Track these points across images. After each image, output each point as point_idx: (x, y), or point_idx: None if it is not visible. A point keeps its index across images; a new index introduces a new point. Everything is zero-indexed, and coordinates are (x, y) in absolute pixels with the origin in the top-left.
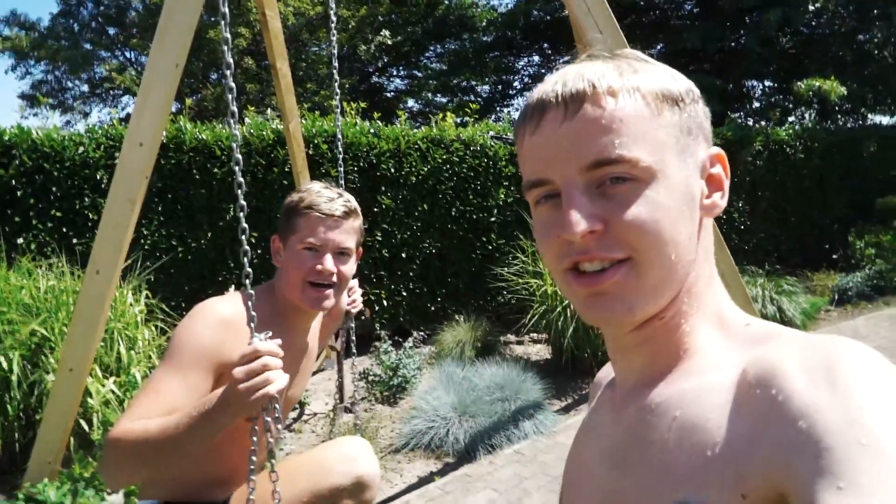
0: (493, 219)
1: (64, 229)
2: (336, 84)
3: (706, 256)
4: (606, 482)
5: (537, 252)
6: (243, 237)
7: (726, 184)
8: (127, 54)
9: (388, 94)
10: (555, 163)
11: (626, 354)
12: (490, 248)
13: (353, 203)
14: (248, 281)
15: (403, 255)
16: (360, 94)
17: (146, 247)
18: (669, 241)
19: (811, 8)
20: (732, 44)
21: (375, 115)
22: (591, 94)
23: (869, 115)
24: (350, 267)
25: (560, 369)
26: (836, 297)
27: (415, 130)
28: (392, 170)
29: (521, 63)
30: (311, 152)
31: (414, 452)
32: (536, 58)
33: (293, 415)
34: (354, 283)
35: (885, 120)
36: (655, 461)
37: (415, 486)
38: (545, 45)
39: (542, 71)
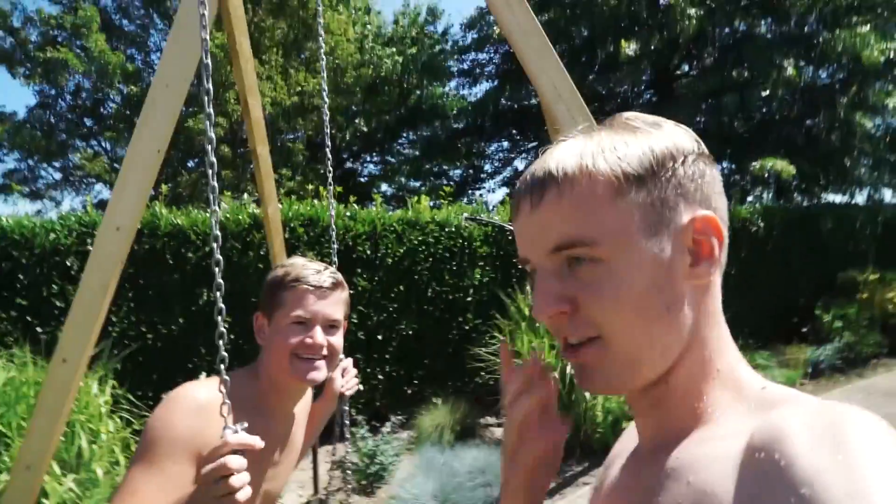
0: (469, 299)
1: (28, 318)
2: (329, 163)
3: (709, 322)
4: None
5: (514, 332)
6: (219, 318)
7: (717, 248)
8: (102, 144)
9: (362, 179)
10: (528, 247)
11: (639, 417)
12: (467, 328)
13: (339, 275)
14: (223, 366)
15: (380, 336)
16: (334, 179)
17: (114, 334)
18: (636, 319)
19: (762, 94)
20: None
21: (351, 199)
22: (549, 183)
23: (823, 195)
24: (339, 339)
25: None
26: (810, 370)
27: (390, 213)
28: (368, 252)
29: (492, 148)
30: (287, 236)
31: None
32: (506, 143)
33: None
34: (349, 362)
35: (838, 198)
36: None
37: None
38: (514, 130)
39: (511, 155)
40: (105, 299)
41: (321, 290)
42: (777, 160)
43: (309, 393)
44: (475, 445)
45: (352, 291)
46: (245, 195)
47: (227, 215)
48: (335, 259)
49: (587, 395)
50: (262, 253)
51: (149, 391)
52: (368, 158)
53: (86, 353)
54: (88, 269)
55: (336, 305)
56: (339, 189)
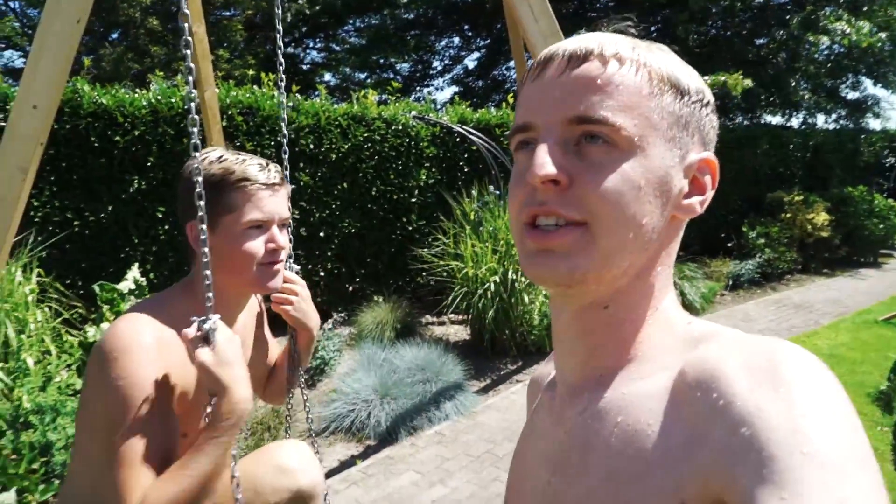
0: (413, 200)
1: None
2: (280, 52)
3: (667, 260)
4: (547, 487)
5: (458, 235)
6: (204, 249)
7: (709, 193)
8: (10, 2)
9: (304, 67)
10: (542, 109)
11: (567, 343)
12: (410, 229)
13: (278, 166)
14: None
15: (322, 234)
16: (273, 64)
17: (36, 220)
18: (629, 217)
19: (722, 3)
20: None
21: (294, 87)
22: (596, 54)
23: (762, 116)
24: (288, 238)
25: (479, 350)
26: (731, 282)
27: (335, 106)
28: (311, 146)
29: (442, 44)
30: (224, 124)
31: (335, 436)
32: (457, 39)
33: None
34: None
35: (776, 120)
36: (598, 467)
37: (336, 471)
38: (466, 26)
39: (462, 53)
40: (25, 183)
41: (273, 187)
42: (730, 74)
43: (254, 299)
44: (415, 344)
45: (294, 186)
46: (178, 76)
47: (159, 97)
48: (286, 154)
49: (525, 298)
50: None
51: (78, 280)
52: (311, 44)
53: (7, 240)
54: (4, 150)
55: (286, 201)
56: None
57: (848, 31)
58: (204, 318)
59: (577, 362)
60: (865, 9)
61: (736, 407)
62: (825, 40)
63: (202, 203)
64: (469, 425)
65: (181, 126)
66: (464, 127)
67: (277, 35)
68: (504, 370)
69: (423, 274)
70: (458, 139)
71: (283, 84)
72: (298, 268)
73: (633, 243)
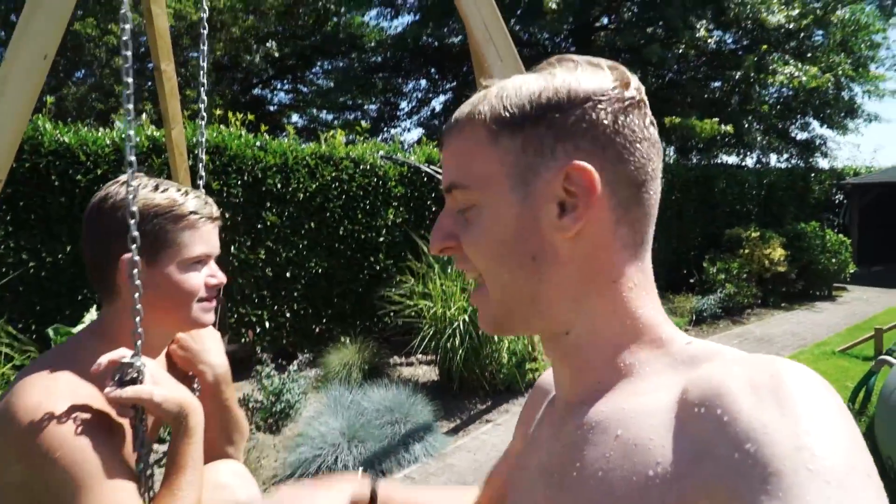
0: (381, 239)
1: None
2: (203, 72)
3: (602, 276)
4: (542, 499)
5: (426, 274)
6: (136, 279)
7: (583, 200)
8: None
9: (272, 108)
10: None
11: (556, 365)
12: (378, 268)
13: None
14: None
15: (288, 274)
16: (241, 105)
17: None
18: (498, 266)
19: (677, 52)
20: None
21: (262, 128)
22: (451, 127)
23: (719, 155)
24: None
25: (449, 391)
26: (694, 317)
27: (303, 146)
28: (279, 185)
29: (409, 86)
30: (191, 163)
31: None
32: (424, 82)
33: (164, 447)
34: None
35: (732, 159)
36: (595, 480)
37: None
38: (433, 69)
39: (430, 95)
40: None
41: (215, 221)
42: (702, 122)
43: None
44: (383, 385)
45: (259, 226)
46: (143, 115)
47: (122, 136)
48: (202, 181)
49: (494, 336)
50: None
51: (31, 323)
52: (279, 86)
53: None
54: None
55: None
56: (251, 117)
57: (797, 73)
58: (127, 361)
59: (568, 381)
60: (810, 55)
61: (740, 423)
62: (779, 80)
63: (135, 234)
64: (439, 467)
65: (146, 164)
66: (431, 166)
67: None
68: (474, 410)
69: (391, 314)
70: (425, 178)
71: (203, 112)
72: None
73: (519, 284)
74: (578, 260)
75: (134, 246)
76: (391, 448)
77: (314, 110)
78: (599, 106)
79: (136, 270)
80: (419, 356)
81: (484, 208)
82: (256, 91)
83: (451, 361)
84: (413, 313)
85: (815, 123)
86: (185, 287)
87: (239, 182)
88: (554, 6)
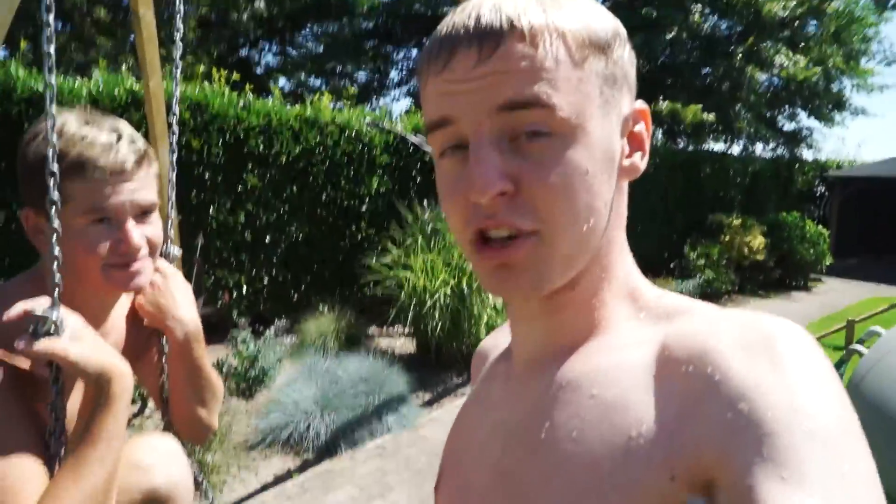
0: (364, 207)
1: None
2: (179, 17)
3: (619, 223)
4: (503, 461)
5: (409, 245)
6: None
7: (647, 144)
8: None
9: (258, 70)
10: (463, 102)
11: (530, 322)
12: (360, 237)
13: (140, 140)
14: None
15: (268, 238)
16: (226, 65)
17: None
18: (584, 209)
19: (667, 37)
20: None
21: (248, 87)
22: (507, 33)
23: (707, 141)
24: (158, 226)
25: (425, 363)
26: None
27: (288, 108)
28: (261, 147)
29: (400, 55)
30: (170, 119)
31: (271, 449)
32: (415, 51)
33: (134, 408)
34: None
35: (719, 146)
36: (569, 442)
37: (271, 485)
38: (424, 39)
39: None
40: None
41: (121, 174)
42: (683, 106)
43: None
44: (359, 355)
45: (240, 188)
46: (123, 68)
47: (100, 88)
48: (174, 134)
49: (475, 310)
50: (141, 134)
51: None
52: (267, 48)
53: None
54: None
55: (145, 186)
56: (235, 76)
57: (786, 63)
58: (40, 313)
59: (539, 336)
60: (803, 45)
61: (733, 382)
62: (770, 70)
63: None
64: (411, 438)
65: (123, 118)
66: (418, 136)
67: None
68: (450, 383)
69: (371, 284)
70: (412, 148)
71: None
72: (177, 251)
73: (590, 233)
74: (617, 208)
75: (54, 192)
76: (364, 418)
77: (302, 74)
78: (629, 48)
79: (53, 211)
80: (397, 327)
81: (568, 138)
82: (243, 52)
83: (429, 334)
84: (394, 284)
85: (802, 114)
86: (79, 247)
87: (220, 142)
88: None
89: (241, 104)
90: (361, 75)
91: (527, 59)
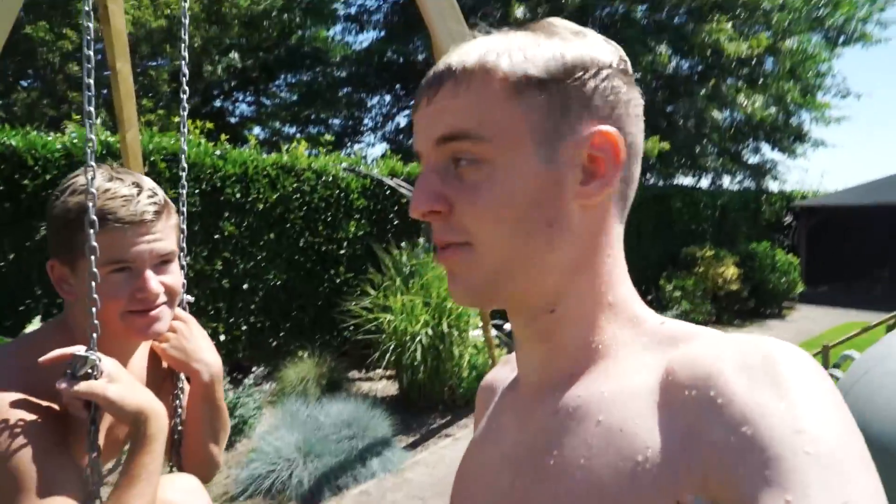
0: (342, 251)
1: None
2: (185, 80)
3: (604, 250)
4: (511, 490)
5: (388, 287)
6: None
7: (610, 169)
8: None
9: (233, 120)
10: (420, 139)
11: (526, 346)
12: (338, 281)
13: (160, 193)
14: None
15: (245, 286)
16: (201, 116)
17: None
18: (513, 231)
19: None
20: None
21: (223, 137)
22: (447, 76)
23: (676, 177)
24: (177, 274)
25: (408, 405)
26: None
27: (265, 156)
28: (238, 195)
29: (374, 101)
30: (147, 170)
31: (253, 500)
32: (388, 97)
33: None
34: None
35: (688, 180)
36: (576, 468)
37: None
38: (397, 85)
39: (394, 110)
40: None
41: (140, 225)
42: (647, 140)
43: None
44: (341, 399)
45: (217, 236)
46: (97, 121)
47: (75, 140)
48: (184, 207)
49: (455, 351)
50: (54, 197)
51: None
52: (241, 98)
53: None
54: None
55: (165, 236)
56: (209, 125)
57: (745, 103)
58: (80, 354)
59: (540, 364)
60: (761, 82)
61: (736, 406)
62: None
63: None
64: (396, 482)
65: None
66: (395, 179)
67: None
68: (433, 425)
69: (351, 328)
70: (388, 192)
71: (185, 113)
72: (189, 298)
73: (525, 254)
74: (587, 231)
75: (91, 231)
76: (348, 463)
77: (277, 123)
78: (616, 75)
79: (93, 257)
80: (378, 371)
81: (500, 167)
82: (217, 102)
83: (411, 376)
84: (374, 327)
85: (766, 147)
86: (100, 297)
87: (197, 191)
88: (519, 15)
89: (217, 153)
90: (336, 122)
91: (458, 96)
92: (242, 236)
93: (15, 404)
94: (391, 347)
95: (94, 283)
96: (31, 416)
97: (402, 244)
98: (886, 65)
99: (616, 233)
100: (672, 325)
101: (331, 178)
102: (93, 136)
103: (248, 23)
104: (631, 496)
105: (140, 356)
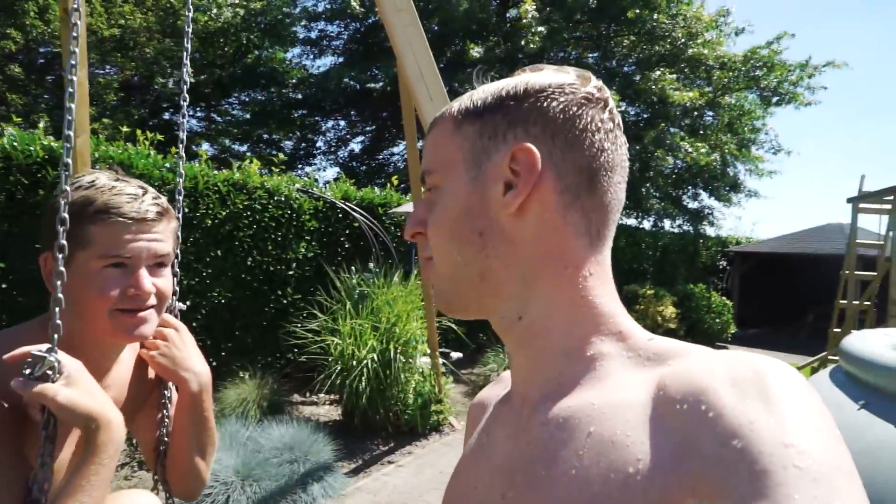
0: (291, 272)
1: None
2: (184, 115)
3: (554, 259)
4: (503, 502)
5: (337, 311)
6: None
7: (525, 178)
8: None
9: (182, 135)
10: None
11: (513, 357)
12: (285, 302)
13: (163, 199)
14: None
15: (188, 302)
16: (149, 128)
17: None
18: (449, 241)
19: None
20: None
21: (172, 150)
22: (432, 123)
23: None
24: (170, 279)
25: (351, 431)
26: None
27: (216, 172)
28: (186, 209)
29: (328, 125)
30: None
31: None
32: (342, 122)
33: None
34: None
35: (631, 221)
36: (567, 478)
37: None
38: (352, 111)
39: (348, 136)
40: None
41: (142, 223)
42: None
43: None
44: (283, 422)
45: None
46: (40, 126)
47: (14, 143)
48: (180, 195)
49: (401, 377)
50: (55, 193)
51: None
52: (192, 113)
53: None
54: None
55: (164, 238)
56: (160, 137)
57: (690, 149)
58: (38, 354)
59: (527, 373)
60: (701, 132)
61: (726, 419)
62: (670, 160)
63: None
64: None
65: (38, 177)
66: (347, 203)
67: (184, 73)
68: (376, 451)
69: (296, 350)
70: (340, 215)
71: (182, 145)
72: (182, 306)
73: (467, 258)
74: (527, 240)
75: (61, 228)
76: (288, 488)
77: (227, 140)
78: (553, 96)
79: (60, 256)
80: (322, 395)
81: (443, 190)
82: (167, 115)
83: (355, 401)
84: (319, 349)
85: (704, 194)
86: (91, 289)
87: None
88: (476, 55)
89: (166, 166)
90: (288, 144)
91: (430, 138)
92: (188, 252)
93: None
94: (337, 371)
95: (59, 283)
96: None
97: (353, 268)
98: (815, 126)
99: (577, 245)
100: (660, 342)
101: (283, 198)
102: (71, 133)
103: (203, 38)
104: None
105: (126, 364)
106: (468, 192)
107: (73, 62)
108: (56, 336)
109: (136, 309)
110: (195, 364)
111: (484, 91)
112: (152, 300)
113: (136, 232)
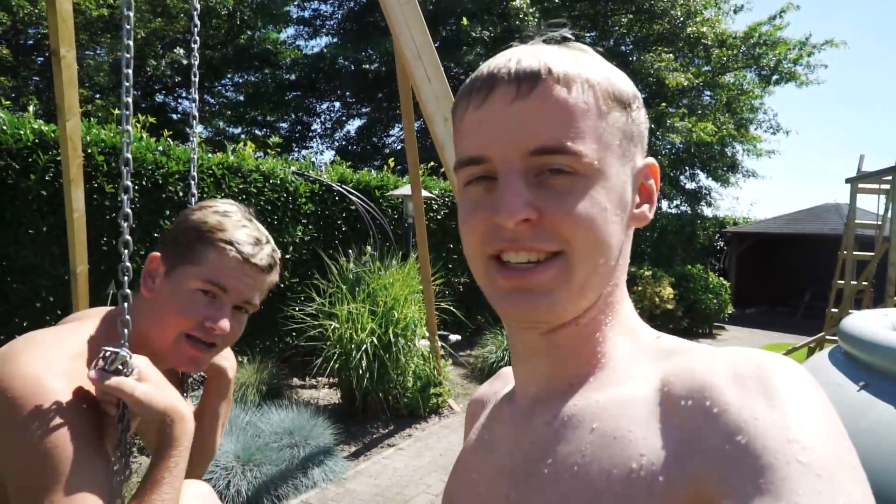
0: (287, 256)
1: None
2: (194, 90)
3: (624, 267)
4: (506, 501)
5: (334, 294)
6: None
7: (656, 197)
8: None
9: (174, 117)
10: (496, 142)
11: (532, 359)
12: (282, 286)
13: (279, 254)
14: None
15: None
16: (142, 111)
17: None
18: (601, 241)
19: None
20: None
21: (165, 132)
22: (544, 78)
23: None
24: (242, 327)
25: (351, 413)
26: None
27: (211, 155)
28: (180, 193)
29: (323, 107)
30: (84, 163)
31: None
32: (338, 104)
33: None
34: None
35: None
36: (571, 475)
37: None
38: (347, 93)
39: (343, 118)
40: None
41: (254, 267)
42: None
43: None
44: (283, 406)
45: (156, 234)
46: (30, 109)
47: (4, 128)
48: (193, 197)
49: (401, 359)
50: (47, 178)
51: None
52: (184, 94)
53: None
54: None
55: (260, 289)
56: (152, 120)
57: (692, 128)
58: (114, 347)
59: (541, 374)
60: (700, 112)
61: (730, 415)
62: (677, 138)
63: (127, 211)
64: (338, 493)
65: (29, 161)
66: (344, 186)
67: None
68: (376, 434)
69: (294, 334)
70: (337, 198)
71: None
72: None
73: (604, 266)
74: (625, 248)
75: (125, 224)
76: (288, 472)
77: (221, 122)
78: (644, 112)
79: (125, 252)
80: (321, 378)
81: (591, 179)
82: (159, 98)
83: (354, 384)
84: (318, 334)
85: (701, 175)
86: (176, 304)
87: (137, 187)
88: (473, 34)
89: (160, 149)
90: (283, 126)
91: (560, 102)
92: None
93: (58, 390)
94: (335, 355)
95: (126, 278)
96: (71, 404)
97: (350, 251)
98: (815, 105)
99: (629, 255)
100: (667, 340)
101: (279, 182)
102: (129, 128)
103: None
104: (625, 503)
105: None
106: (618, 191)
107: (128, 55)
108: (126, 331)
109: (203, 341)
110: (229, 354)
111: (616, 76)
112: (220, 339)
113: (244, 272)
